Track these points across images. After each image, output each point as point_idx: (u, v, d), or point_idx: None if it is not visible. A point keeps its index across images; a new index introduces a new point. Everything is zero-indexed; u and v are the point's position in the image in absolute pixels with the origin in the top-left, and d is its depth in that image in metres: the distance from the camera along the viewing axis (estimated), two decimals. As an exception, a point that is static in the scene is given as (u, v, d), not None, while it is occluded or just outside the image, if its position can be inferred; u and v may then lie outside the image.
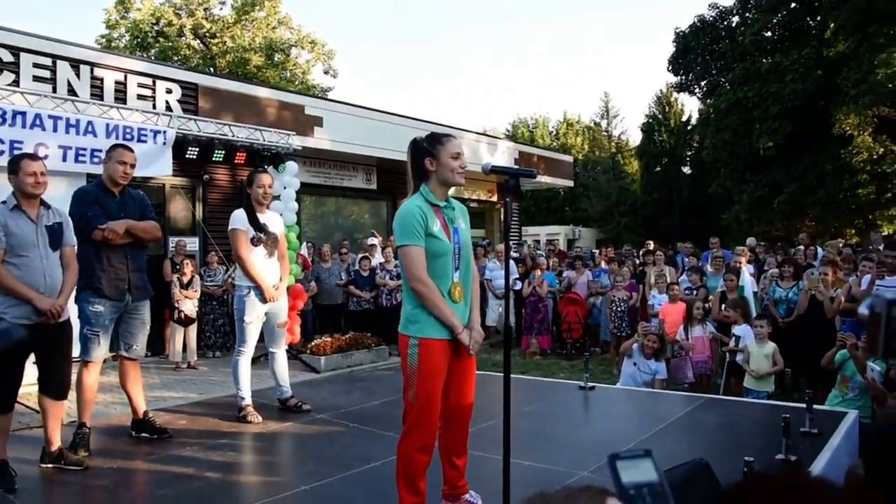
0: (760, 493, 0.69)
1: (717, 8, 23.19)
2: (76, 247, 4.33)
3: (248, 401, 5.48)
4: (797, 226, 19.23)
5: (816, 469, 3.83)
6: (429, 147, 3.20)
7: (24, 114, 6.71)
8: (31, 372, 4.20)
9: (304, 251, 10.56)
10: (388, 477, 3.33)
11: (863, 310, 6.61)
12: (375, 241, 11.48)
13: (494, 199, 17.69)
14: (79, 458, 4.28)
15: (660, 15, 72.94)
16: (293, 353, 8.45)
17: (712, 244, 10.72)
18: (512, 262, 11.19)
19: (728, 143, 21.64)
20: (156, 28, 26.89)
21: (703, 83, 24.27)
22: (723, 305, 7.67)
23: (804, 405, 4.57)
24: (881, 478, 1.18)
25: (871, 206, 19.21)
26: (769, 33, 21.63)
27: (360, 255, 10.86)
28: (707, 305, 7.83)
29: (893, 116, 17.71)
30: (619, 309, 9.36)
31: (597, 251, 15.31)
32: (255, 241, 5.37)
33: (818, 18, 20.58)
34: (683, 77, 24.44)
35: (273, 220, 5.63)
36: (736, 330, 6.93)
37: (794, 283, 7.79)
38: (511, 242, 14.13)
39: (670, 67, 24.31)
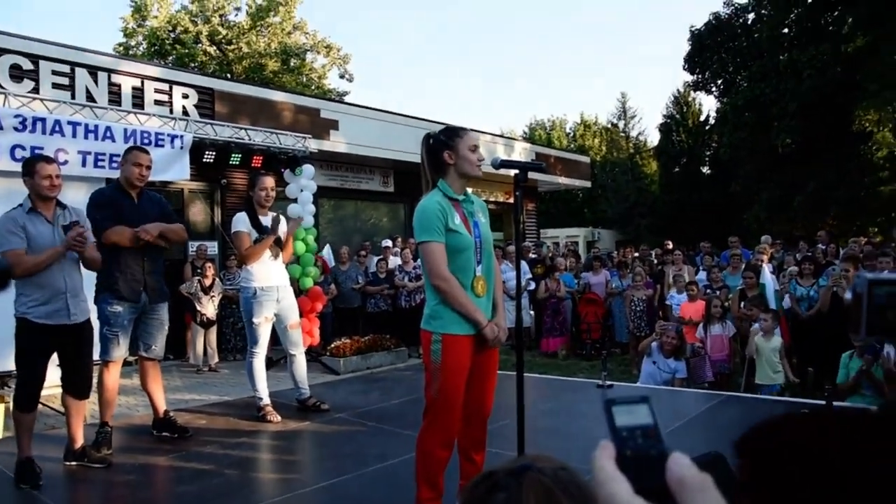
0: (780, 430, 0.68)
1: (732, 5, 23.07)
2: (95, 243, 4.37)
3: (266, 401, 5.52)
4: (818, 224, 19.00)
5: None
6: (447, 140, 3.18)
7: (43, 120, 6.77)
8: (53, 374, 4.26)
9: (325, 254, 10.58)
10: (405, 474, 3.34)
11: (847, 295, 6.56)
12: (390, 242, 11.49)
13: (512, 200, 17.66)
14: (102, 455, 4.34)
15: (675, 13, 72.80)
16: (313, 355, 8.47)
17: (731, 243, 10.62)
18: (524, 263, 11.12)
19: (745, 141, 21.45)
20: (172, 35, 27.13)
21: (719, 81, 24.12)
22: (742, 303, 7.61)
23: (824, 402, 4.54)
24: None
25: (894, 202, 18.96)
26: (786, 30, 21.43)
27: (377, 258, 10.86)
28: (726, 304, 7.77)
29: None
30: (637, 308, 9.31)
31: (615, 253, 15.21)
32: (256, 243, 5.42)
33: (835, 14, 20.35)
34: (700, 75, 24.31)
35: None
36: (755, 326, 6.88)
37: (814, 282, 7.71)
38: (529, 243, 14.18)
39: (686, 66, 24.17)
